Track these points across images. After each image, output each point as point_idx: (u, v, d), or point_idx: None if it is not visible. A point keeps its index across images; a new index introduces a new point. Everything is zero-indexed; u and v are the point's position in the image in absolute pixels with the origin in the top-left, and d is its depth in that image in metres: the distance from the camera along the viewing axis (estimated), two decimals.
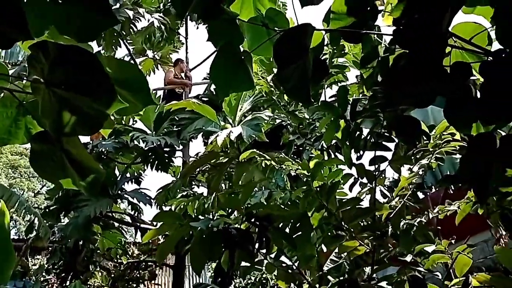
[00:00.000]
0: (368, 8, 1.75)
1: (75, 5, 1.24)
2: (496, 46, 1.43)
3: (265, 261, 1.73)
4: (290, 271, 1.77)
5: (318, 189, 1.78)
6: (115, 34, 6.37)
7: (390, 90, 1.49)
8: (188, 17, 6.82)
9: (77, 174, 1.39)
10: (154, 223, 5.77)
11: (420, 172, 1.83)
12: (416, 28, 1.35)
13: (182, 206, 2.58)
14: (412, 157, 1.96)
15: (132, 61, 6.84)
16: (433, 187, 4.03)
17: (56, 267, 5.59)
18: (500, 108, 1.35)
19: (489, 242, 5.90)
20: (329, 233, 1.81)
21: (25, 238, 5.82)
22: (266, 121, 3.31)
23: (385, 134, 1.83)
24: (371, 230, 1.75)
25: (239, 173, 3.07)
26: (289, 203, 2.02)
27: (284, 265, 1.79)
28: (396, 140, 1.95)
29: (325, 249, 2.02)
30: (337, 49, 3.00)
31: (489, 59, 1.44)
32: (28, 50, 1.16)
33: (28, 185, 17.44)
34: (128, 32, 6.58)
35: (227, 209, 2.05)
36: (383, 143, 1.80)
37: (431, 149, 1.93)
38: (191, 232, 1.53)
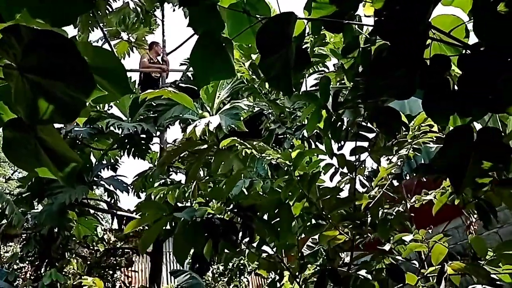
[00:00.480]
0: None
1: None
2: (473, 38, 1.46)
3: (247, 250, 1.74)
4: (271, 260, 1.79)
5: (299, 178, 1.79)
6: (91, 15, 6.17)
7: (371, 81, 1.50)
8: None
9: (52, 163, 1.35)
10: (131, 209, 5.71)
11: (399, 163, 1.86)
12: (397, 20, 1.35)
13: (162, 195, 2.55)
14: (392, 148, 1.99)
15: (107, 44, 6.66)
16: (407, 175, 4.13)
17: (30, 254, 5.48)
18: (476, 100, 1.38)
19: (460, 228, 6.11)
20: (310, 223, 1.83)
21: None
22: (245, 110, 3.29)
23: (366, 124, 1.85)
24: (351, 220, 1.77)
25: (218, 161, 3.05)
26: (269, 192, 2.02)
27: (265, 254, 1.80)
28: (376, 131, 1.98)
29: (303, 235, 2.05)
30: (318, 38, 2.99)
31: (467, 52, 1.46)
32: None
33: None
34: (104, 13, 6.39)
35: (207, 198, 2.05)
36: (364, 133, 1.82)
37: (409, 140, 1.96)
38: (173, 222, 1.51)
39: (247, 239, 1.64)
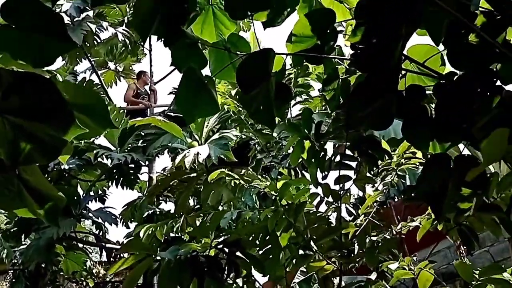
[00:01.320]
0: (328, 31, 1.80)
1: (30, 30, 1.22)
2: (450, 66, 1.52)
3: (234, 285, 1.73)
4: None
5: (285, 208, 1.81)
6: (79, 46, 6.23)
7: (350, 113, 1.54)
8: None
9: (35, 203, 1.35)
10: (120, 241, 5.62)
11: (384, 190, 1.89)
12: (372, 54, 1.40)
13: (150, 231, 2.53)
14: (375, 176, 2.02)
15: (94, 74, 6.72)
16: (395, 197, 4.15)
17: None
18: (452, 127, 1.42)
19: (452, 248, 6.10)
20: (297, 253, 1.83)
21: None
22: (233, 140, 3.32)
23: (349, 154, 1.88)
24: (338, 249, 1.78)
25: (207, 191, 3.05)
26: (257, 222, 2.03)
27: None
28: (359, 160, 2.01)
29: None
30: (301, 69, 3.06)
31: (441, 81, 1.52)
32: None
33: None
34: (92, 44, 6.46)
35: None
36: (347, 162, 1.85)
37: (394, 167, 2.00)
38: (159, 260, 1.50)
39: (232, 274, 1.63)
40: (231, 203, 2.28)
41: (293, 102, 3.31)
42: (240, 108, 3.34)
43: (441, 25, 1.24)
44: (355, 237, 1.85)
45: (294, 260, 1.74)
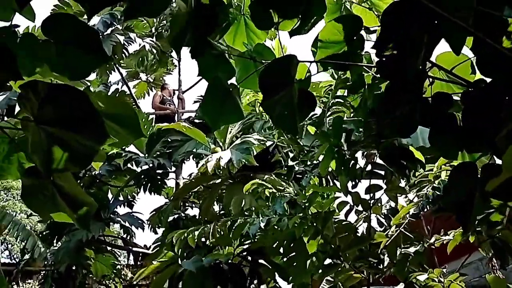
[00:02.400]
0: (355, 38, 1.80)
1: (68, 44, 1.28)
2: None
3: None
4: None
5: (314, 215, 1.80)
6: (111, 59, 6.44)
7: (379, 120, 1.53)
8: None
9: (68, 207, 1.41)
10: (148, 245, 5.72)
11: (419, 203, 1.85)
12: (397, 60, 1.39)
13: (182, 238, 2.57)
14: (407, 186, 1.99)
15: (125, 85, 6.91)
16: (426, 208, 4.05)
17: None
18: (479, 136, 1.39)
19: (484, 260, 5.90)
20: (325, 261, 1.82)
21: (18, 261, 5.72)
22: (255, 144, 3.34)
23: (380, 163, 1.85)
24: (366, 258, 1.76)
25: (230, 196, 3.08)
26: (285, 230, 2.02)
27: None
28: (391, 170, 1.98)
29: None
30: (341, 79, 3.02)
31: (470, 89, 1.49)
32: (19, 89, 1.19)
33: (20, 207, 17.23)
34: (120, 56, 6.65)
35: None
36: (378, 171, 1.82)
37: (431, 179, 1.95)
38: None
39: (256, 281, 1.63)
40: (259, 209, 2.28)
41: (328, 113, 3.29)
42: None
43: (460, 37, 1.22)
44: (386, 248, 1.82)
45: (320, 269, 1.73)
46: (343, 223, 1.79)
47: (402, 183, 2.00)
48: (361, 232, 1.82)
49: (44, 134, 1.19)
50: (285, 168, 3.30)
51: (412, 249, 1.86)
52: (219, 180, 3.99)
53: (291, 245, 1.93)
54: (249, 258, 1.52)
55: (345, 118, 2.33)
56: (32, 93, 1.16)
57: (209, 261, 1.45)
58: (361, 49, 1.83)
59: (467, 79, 1.59)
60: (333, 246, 1.66)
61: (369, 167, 1.65)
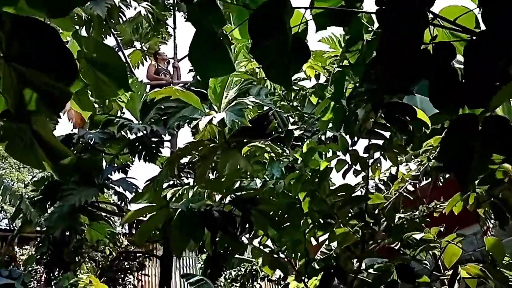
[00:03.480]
0: None
1: None
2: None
3: (250, 246, 1.69)
4: (275, 256, 1.73)
5: (310, 174, 1.74)
6: (104, 22, 6.26)
7: (380, 73, 1.44)
8: (176, 8, 6.72)
9: (46, 156, 1.34)
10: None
11: (421, 167, 1.78)
12: (397, 8, 1.30)
13: (177, 196, 2.52)
14: (416, 157, 1.91)
15: (120, 52, 6.75)
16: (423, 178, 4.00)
17: (44, 257, 5.53)
18: (484, 90, 1.31)
19: (478, 235, 5.92)
20: (319, 220, 1.77)
21: (13, 226, 5.73)
22: (249, 107, 3.26)
23: (381, 122, 1.77)
24: (362, 218, 1.71)
25: (225, 161, 3.01)
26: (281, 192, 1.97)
27: (268, 250, 1.75)
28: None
29: (314, 242, 1.99)
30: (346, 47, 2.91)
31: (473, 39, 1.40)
32: None
33: (18, 176, 17.26)
34: (116, 20, 6.47)
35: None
36: (379, 131, 1.74)
37: (434, 144, 1.87)
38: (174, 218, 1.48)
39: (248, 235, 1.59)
40: (255, 174, 2.24)
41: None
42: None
43: None
44: (383, 211, 1.76)
45: (314, 228, 1.68)
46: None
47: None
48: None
49: (14, 73, 1.11)
50: (283, 134, 3.23)
51: (409, 214, 1.81)
52: (213, 147, 3.92)
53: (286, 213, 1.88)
54: (241, 206, 1.47)
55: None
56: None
57: (199, 205, 1.41)
58: (361, 1, 1.73)
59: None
60: (328, 204, 1.61)
61: (370, 125, 1.57)
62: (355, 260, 2.14)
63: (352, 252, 1.85)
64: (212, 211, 1.44)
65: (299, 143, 3.55)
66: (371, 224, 1.62)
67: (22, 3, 1.24)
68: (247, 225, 1.49)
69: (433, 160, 1.98)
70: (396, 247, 1.76)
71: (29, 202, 5.08)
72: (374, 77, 1.45)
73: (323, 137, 3.40)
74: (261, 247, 1.76)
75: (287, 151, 2.48)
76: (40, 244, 5.31)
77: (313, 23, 1.64)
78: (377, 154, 1.69)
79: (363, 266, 1.82)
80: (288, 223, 1.61)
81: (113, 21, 6.46)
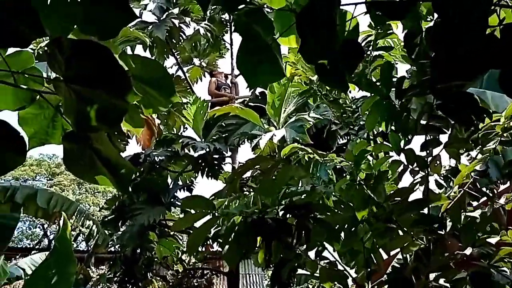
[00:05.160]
0: None
1: (94, 3, 1.24)
2: None
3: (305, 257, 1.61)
4: (335, 269, 1.64)
5: (363, 179, 1.65)
6: (166, 43, 6.59)
7: (436, 62, 1.33)
8: (232, 23, 6.87)
9: (107, 171, 1.39)
10: None
11: (485, 158, 1.61)
12: None
13: (224, 206, 2.53)
14: (471, 141, 1.74)
15: (180, 70, 7.05)
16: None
17: (117, 276, 5.77)
18: None
19: None
20: (378, 228, 1.66)
21: (88, 248, 6.07)
22: (310, 122, 3.19)
23: (438, 115, 1.63)
24: (425, 223, 1.57)
25: (283, 175, 2.97)
26: (333, 198, 1.88)
27: (325, 262, 1.66)
28: (452, 122, 1.74)
29: (385, 255, 1.87)
30: (384, 28, 2.77)
31: None
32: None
33: (92, 200, 18.45)
34: (177, 40, 6.76)
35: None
36: (436, 125, 1.61)
37: (499, 132, 1.69)
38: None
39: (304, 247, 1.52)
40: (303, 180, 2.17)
41: (371, 68, 3.03)
42: (313, 79, 3.17)
43: None
44: (447, 211, 1.62)
45: (372, 235, 1.57)
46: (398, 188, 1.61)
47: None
48: (418, 195, 1.62)
49: (74, 94, 1.16)
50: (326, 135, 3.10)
51: (478, 212, 1.63)
52: (274, 162, 3.90)
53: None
54: (295, 212, 1.41)
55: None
56: (58, 51, 1.13)
57: (252, 211, 1.37)
58: None
59: None
60: (386, 211, 1.49)
61: (424, 120, 1.45)
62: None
63: (421, 261, 1.70)
64: (265, 218, 1.40)
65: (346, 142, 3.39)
66: (435, 230, 1.48)
67: (76, 31, 1.32)
68: (303, 233, 1.42)
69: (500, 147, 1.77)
70: (468, 253, 1.58)
71: (102, 222, 5.37)
72: (431, 69, 1.34)
73: (371, 134, 3.21)
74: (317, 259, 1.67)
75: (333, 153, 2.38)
76: (112, 263, 5.57)
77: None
78: (436, 151, 1.54)
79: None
80: (343, 232, 1.52)
81: (174, 41, 6.75)
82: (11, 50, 1.31)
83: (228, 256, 1.39)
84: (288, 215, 1.48)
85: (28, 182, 18.31)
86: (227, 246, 1.39)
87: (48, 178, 19.26)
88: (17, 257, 7.81)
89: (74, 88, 1.14)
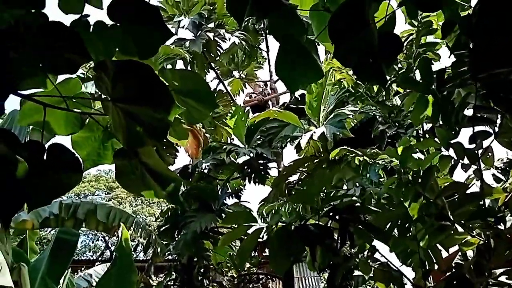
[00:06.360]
0: None
1: (132, 24, 1.31)
2: None
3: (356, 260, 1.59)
4: (388, 270, 1.60)
5: (411, 176, 1.60)
6: (205, 58, 6.76)
7: (476, 49, 1.28)
8: (267, 31, 6.92)
9: (157, 184, 1.45)
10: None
11: None
12: None
13: (273, 211, 2.54)
14: None
15: (220, 84, 7.19)
16: None
17: (176, 283, 5.94)
18: None
19: None
20: (432, 225, 1.60)
21: (146, 257, 6.29)
22: (350, 116, 3.14)
23: (484, 105, 1.57)
24: (482, 218, 1.50)
25: (331, 175, 2.94)
26: (384, 199, 1.84)
27: (379, 263, 1.62)
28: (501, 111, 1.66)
29: (444, 253, 1.81)
30: (424, 26, 2.69)
31: None
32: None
33: (148, 210, 19.13)
34: (215, 53, 6.90)
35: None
36: (483, 115, 1.54)
37: None
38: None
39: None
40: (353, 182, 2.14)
41: (415, 65, 2.94)
42: (359, 81, 3.12)
43: None
44: (506, 204, 1.53)
45: (427, 234, 1.52)
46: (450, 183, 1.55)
47: None
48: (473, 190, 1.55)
49: (121, 112, 1.23)
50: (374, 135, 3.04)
51: None
52: (318, 162, 3.87)
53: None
54: (337, 217, 1.39)
55: None
56: (104, 73, 1.20)
57: (292, 219, 1.37)
58: None
59: None
60: (438, 207, 1.44)
61: (470, 111, 1.39)
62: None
63: (483, 257, 1.61)
64: (306, 224, 1.39)
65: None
66: (493, 224, 1.40)
67: (118, 52, 1.39)
68: (348, 237, 1.40)
69: None
70: None
71: (159, 233, 5.56)
72: (470, 58, 1.28)
73: (420, 130, 3.11)
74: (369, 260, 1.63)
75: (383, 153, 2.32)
76: (167, 271, 5.74)
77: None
78: (486, 142, 1.47)
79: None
80: (397, 230, 1.47)
81: (212, 55, 6.90)
82: (60, 78, 1.41)
83: (274, 264, 1.40)
84: (330, 221, 1.46)
85: (89, 197, 19.32)
86: (272, 254, 1.40)
87: (106, 192, 20.23)
88: (82, 269, 8.25)
89: (120, 106, 1.21)
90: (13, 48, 1.04)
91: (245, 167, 5.25)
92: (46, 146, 1.24)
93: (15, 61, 1.02)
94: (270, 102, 6.76)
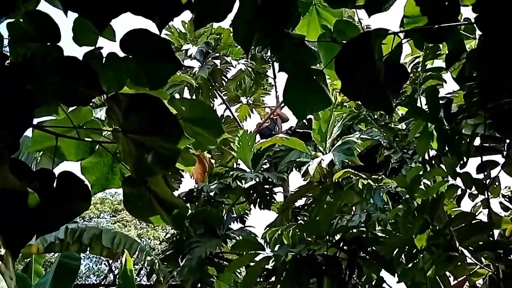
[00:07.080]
0: (446, 3, 1.59)
1: (142, 56, 1.34)
2: None
3: None
4: None
5: (419, 205, 1.60)
6: (210, 87, 6.89)
7: (486, 82, 1.30)
8: (274, 58, 7.04)
9: (163, 211, 1.46)
10: None
11: None
12: (498, 9, 1.18)
13: (277, 236, 2.53)
14: None
15: (227, 110, 7.28)
16: None
17: None
18: None
19: None
20: (440, 256, 1.59)
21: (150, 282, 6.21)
22: (358, 144, 3.15)
23: (491, 135, 1.58)
24: (491, 250, 1.49)
25: (337, 204, 2.93)
26: (389, 225, 1.84)
27: None
28: (508, 141, 1.68)
29: (453, 281, 1.78)
30: (430, 50, 2.73)
31: None
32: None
33: (153, 233, 18.97)
34: (220, 83, 7.03)
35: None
36: (491, 145, 1.55)
37: None
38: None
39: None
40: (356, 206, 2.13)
41: (421, 89, 2.95)
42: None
43: None
44: None
45: (434, 264, 1.50)
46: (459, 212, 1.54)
47: None
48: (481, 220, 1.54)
49: (131, 142, 1.25)
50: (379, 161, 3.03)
51: None
52: (324, 188, 3.86)
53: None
54: (345, 248, 1.38)
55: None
56: (116, 105, 1.23)
57: (299, 250, 1.36)
58: (456, 14, 1.60)
59: None
60: (446, 237, 1.43)
61: (478, 141, 1.40)
62: None
63: (495, 286, 1.59)
64: (314, 255, 1.38)
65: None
66: (502, 256, 1.39)
67: (128, 83, 1.43)
68: (355, 268, 1.38)
69: None
70: None
71: (162, 258, 5.51)
72: (477, 90, 1.30)
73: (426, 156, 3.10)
74: None
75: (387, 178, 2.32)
76: None
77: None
78: (494, 172, 1.47)
79: None
80: (404, 256, 1.46)
81: (218, 84, 7.02)
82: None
83: None
84: (338, 251, 1.46)
85: (94, 219, 19.22)
86: (279, 283, 1.39)
87: (111, 215, 20.13)
88: None
89: (131, 137, 1.23)
90: (29, 80, 1.07)
91: (251, 192, 5.24)
92: (56, 173, 1.26)
93: (30, 93, 1.05)
94: (277, 128, 6.80)
